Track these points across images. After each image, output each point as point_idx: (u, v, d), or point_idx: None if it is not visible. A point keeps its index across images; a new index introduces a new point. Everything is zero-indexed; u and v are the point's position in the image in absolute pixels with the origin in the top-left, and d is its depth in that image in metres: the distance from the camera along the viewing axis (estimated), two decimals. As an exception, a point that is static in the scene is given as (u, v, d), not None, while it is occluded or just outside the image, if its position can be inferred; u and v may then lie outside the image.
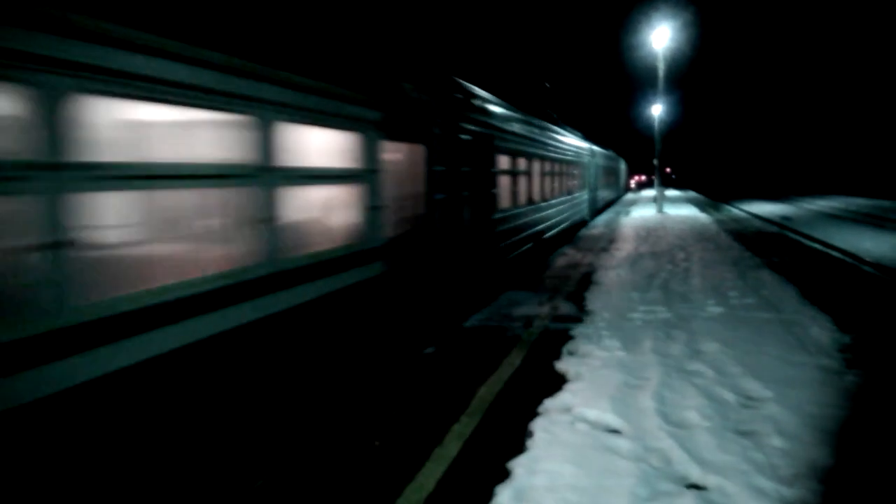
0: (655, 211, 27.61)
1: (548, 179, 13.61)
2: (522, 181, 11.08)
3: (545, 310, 8.23)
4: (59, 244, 2.33)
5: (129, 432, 2.65)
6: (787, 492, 3.42)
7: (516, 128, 10.34)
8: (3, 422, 2.11)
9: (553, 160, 14.21)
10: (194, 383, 3.03)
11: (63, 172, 2.36)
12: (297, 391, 3.99)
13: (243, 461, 3.44)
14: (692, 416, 4.44)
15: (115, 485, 2.59)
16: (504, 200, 9.59)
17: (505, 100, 10.27)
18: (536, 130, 12.17)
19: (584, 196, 20.34)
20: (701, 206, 32.25)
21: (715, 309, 7.82)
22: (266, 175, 3.60)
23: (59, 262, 2.33)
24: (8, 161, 2.20)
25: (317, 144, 4.32)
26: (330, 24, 4.47)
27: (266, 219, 3.62)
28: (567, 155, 16.41)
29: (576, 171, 18.26)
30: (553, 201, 14.26)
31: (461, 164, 7.23)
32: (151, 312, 2.77)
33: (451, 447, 4.19)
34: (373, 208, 4.95)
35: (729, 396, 4.82)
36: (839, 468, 3.70)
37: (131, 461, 2.66)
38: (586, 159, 20.82)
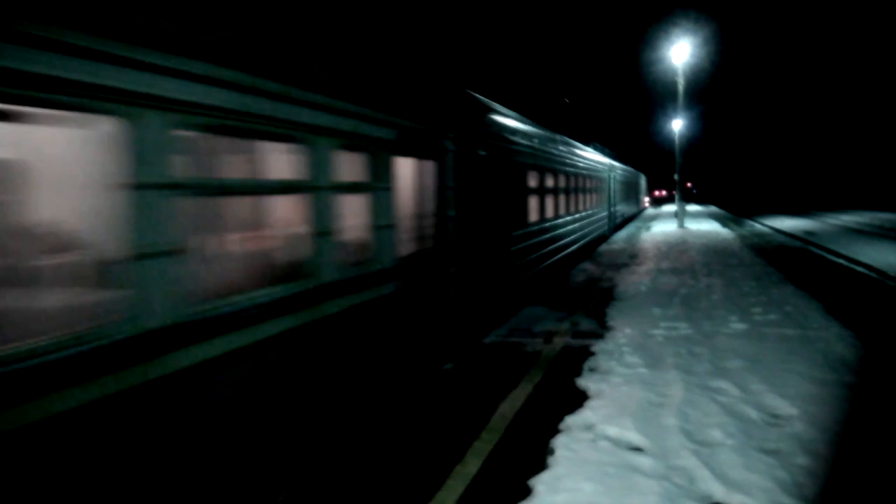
0: (676, 226, 27.37)
1: None
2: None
3: (565, 325, 8.21)
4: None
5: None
6: (813, 512, 3.37)
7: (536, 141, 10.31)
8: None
9: None
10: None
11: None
12: (322, 405, 4.04)
13: (269, 469, 3.49)
14: (716, 434, 4.40)
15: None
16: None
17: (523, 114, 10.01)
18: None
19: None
20: (722, 222, 31.87)
21: (738, 325, 7.73)
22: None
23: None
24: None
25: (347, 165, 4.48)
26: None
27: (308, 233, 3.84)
28: None
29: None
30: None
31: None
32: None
33: (471, 464, 4.20)
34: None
35: (753, 414, 4.76)
36: (865, 488, 3.64)
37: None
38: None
